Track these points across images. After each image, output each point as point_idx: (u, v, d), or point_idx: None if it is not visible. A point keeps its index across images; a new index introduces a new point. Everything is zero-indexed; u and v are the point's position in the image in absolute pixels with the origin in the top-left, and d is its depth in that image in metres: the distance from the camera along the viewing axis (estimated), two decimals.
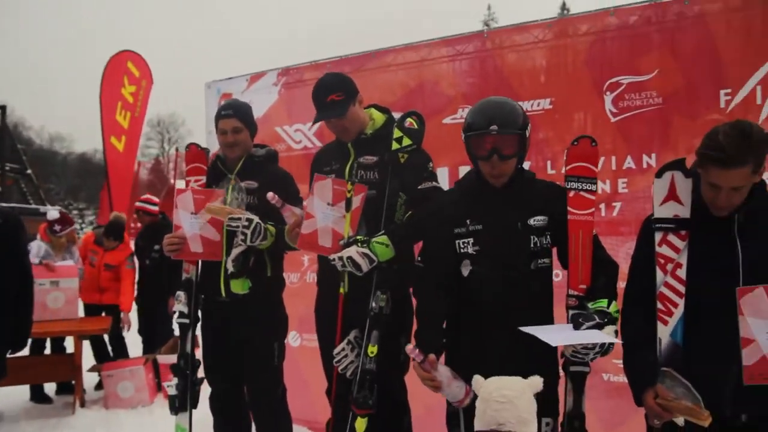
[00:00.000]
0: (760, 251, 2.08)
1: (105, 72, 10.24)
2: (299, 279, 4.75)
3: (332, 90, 2.86)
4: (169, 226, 3.58)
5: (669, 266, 2.19)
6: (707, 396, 2.04)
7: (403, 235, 2.74)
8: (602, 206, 3.62)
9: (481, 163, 2.33)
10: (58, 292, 5.90)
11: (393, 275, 2.73)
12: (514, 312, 2.28)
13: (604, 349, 2.12)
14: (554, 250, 2.42)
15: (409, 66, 4.37)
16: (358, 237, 2.71)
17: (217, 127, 3.33)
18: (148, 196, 7.17)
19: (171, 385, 3.28)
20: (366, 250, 2.64)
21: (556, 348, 2.22)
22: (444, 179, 3.93)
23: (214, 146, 4.20)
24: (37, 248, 6.18)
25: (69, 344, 6.15)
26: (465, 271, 2.37)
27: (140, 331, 6.75)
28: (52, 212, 6.52)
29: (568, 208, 2.34)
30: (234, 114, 3.29)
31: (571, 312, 2.28)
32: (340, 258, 2.66)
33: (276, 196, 2.84)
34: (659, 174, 2.26)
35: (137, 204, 6.79)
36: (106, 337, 6.55)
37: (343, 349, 2.78)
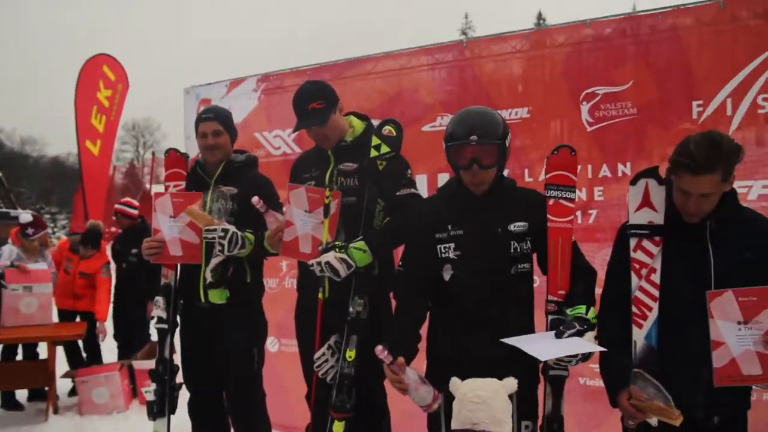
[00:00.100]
0: (731, 257, 2.15)
1: (80, 75, 10.12)
2: (278, 284, 4.75)
3: (313, 98, 2.88)
4: (147, 230, 3.57)
5: (644, 271, 2.25)
6: (681, 398, 2.08)
7: (381, 240, 2.77)
8: (578, 213, 3.67)
9: (462, 172, 2.37)
10: (31, 298, 5.83)
11: (371, 281, 2.76)
12: (495, 315, 2.32)
13: (586, 356, 2.17)
14: (534, 256, 2.47)
15: (389, 74, 4.40)
16: (336, 243, 2.73)
17: (197, 130, 3.33)
18: (128, 199, 7.12)
19: (149, 390, 3.26)
20: (344, 256, 2.67)
21: None
22: (423, 186, 3.97)
23: (192, 152, 4.20)
24: (9, 252, 6.12)
25: (42, 350, 6.06)
26: (446, 275, 2.40)
27: (116, 336, 6.67)
28: (25, 215, 6.47)
29: (548, 216, 2.38)
30: (215, 117, 3.30)
31: (550, 317, 2.32)
32: (319, 263, 2.69)
33: (261, 200, 2.85)
34: (634, 181, 2.32)
35: (117, 206, 6.73)
36: (80, 342, 6.46)
37: (324, 354, 2.80)
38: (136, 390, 6.10)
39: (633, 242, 2.28)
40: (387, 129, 2.88)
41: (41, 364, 5.82)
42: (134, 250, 6.06)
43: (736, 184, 2.21)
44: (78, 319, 6.44)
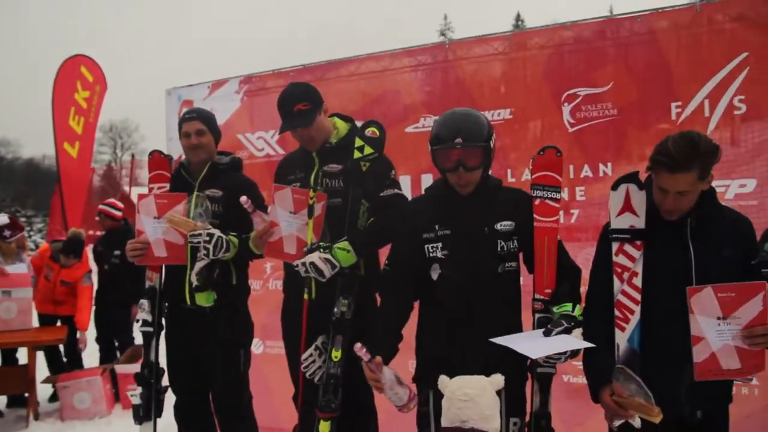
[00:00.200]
0: (711, 254, 2.20)
1: (57, 76, 9.97)
2: (261, 286, 4.74)
3: (299, 100, 2.88)
4: (130, 232, 3.55)
5: (625, 275, 2.29)
6: (664, 396, 2.11)
7: (365, 241, 2.78)
8: (560, 213, 3.72)
9: (448, 174, 2.39)
10: (10, 302, 5.73)
11: (356, 281, 2.78)
12: (482, 313, 2.35)
13: (574, 352, 2.21)
14: (521, 255, 2.50)
15: (371, 75, 4.42)
16: (321, 243, 2.75)
17: (180, 131, 3.31)
18: (113, 200, 7.06)
19: (135, 394, 3.24)
20: (328, 256, 2.69)
21: None
22: (407, 187, 4.00)
23: (175, 154, 4.18)
24: None
25: (21, 355, 5.98)
26: (434, 274, 2.43)
27: (98, 340, 6.60)
28: (1, 218, 6.35)
29: (534, 215, 2.42)
30: (198, 117, 3.29)
31: (537, 316, 2.36)
32: (303, 264, 2.70)
33: (249, 200, 2.84)
34: (615, 186, 2.36)
35: (101, 207, 6.66)
36: (61, 346, 6.39)
37: (311, 355, 2.81)
38: (119, 394, 6.05)
39: (615, 246, 2.32)
40: (370, 130, 2.88)
41: (21, 370, 5.75)
42: (117, 252, 6.01)
43: (713, 184, 2.27)
44: (59, 324, 6.36)
